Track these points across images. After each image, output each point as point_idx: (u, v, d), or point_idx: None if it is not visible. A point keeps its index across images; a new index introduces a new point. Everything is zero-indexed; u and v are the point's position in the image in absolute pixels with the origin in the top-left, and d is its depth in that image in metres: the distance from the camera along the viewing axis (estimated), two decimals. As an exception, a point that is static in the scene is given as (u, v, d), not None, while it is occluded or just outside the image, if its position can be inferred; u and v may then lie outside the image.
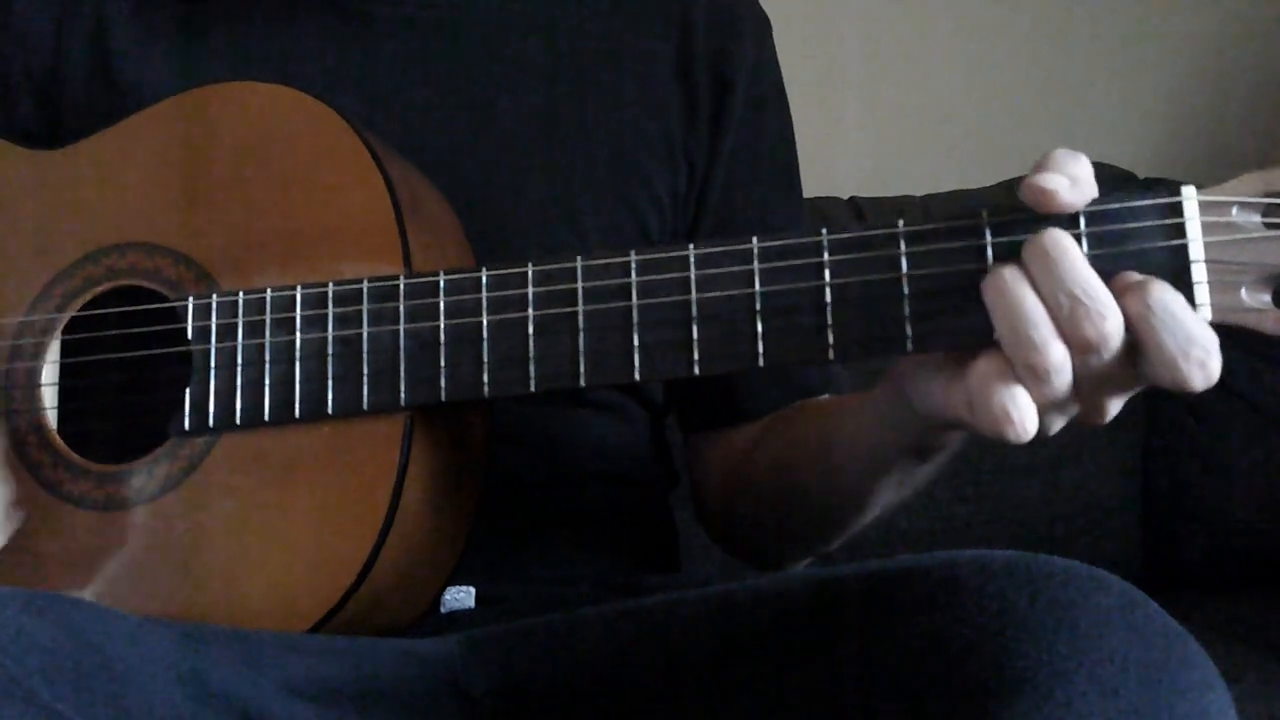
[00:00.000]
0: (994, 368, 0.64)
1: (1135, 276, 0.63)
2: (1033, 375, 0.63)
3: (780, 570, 0.99)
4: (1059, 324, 0.63)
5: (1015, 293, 0.64)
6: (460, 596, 0.87)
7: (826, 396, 0.98)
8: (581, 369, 0.73)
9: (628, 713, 0.71)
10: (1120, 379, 0.65)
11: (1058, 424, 0.67)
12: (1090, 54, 2.01)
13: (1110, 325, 0.62)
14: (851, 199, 1.73)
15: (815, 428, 0.92)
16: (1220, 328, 0.63)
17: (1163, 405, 1.68)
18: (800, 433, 0.93)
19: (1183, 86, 2.02)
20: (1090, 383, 0.64)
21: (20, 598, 0.63)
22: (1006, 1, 2.00)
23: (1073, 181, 0.64)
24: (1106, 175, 1.56)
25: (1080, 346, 0.63)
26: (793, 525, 0.95)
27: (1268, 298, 0.64)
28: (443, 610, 0.86)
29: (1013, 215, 0.67)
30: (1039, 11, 2.00)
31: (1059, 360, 0.63)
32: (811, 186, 1.08)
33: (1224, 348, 0.62)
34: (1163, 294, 0.62)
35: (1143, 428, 1.69)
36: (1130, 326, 0.63)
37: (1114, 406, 0.67)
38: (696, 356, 0.71)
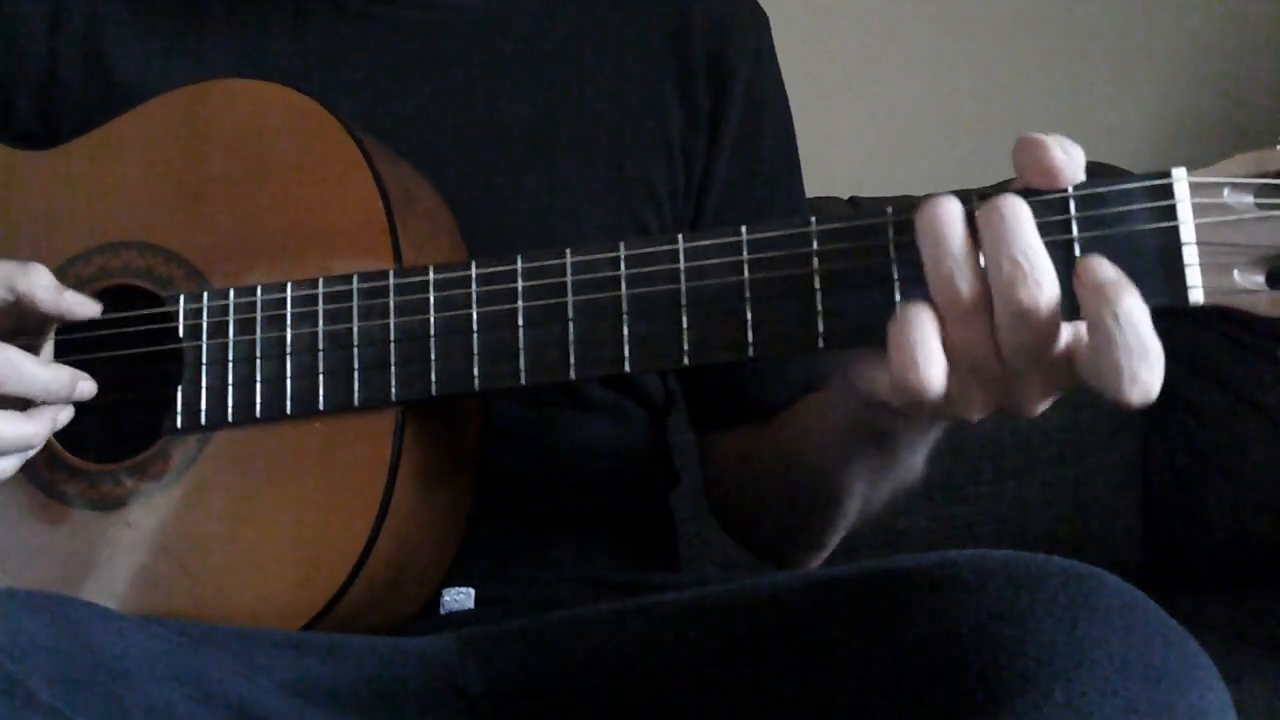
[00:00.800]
0: (912, 314, 0.63)
1: (1110, 273, 0.62)
2: (946, 304, 0.63)
3: (790, 568, 0.99)
4: (996, 285, 0.62)
5: (947, 237, 0.63)
6: (460, 598, 0.87)
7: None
8: (572, 360, 0.73)
9: (628, 712, 0.71)
10: (1054, 375, 0.64)
11: (977, 401, 0.66)
12: (1089, 54, 2.01)
13: (1046, 296, 0.61)
14: (851, 199, 1.73)
15: (797, 422, 0.92)
16: (1214, 311, 0.63)
17: (1163, 405, 1.68)
18: (791, 428, 0.93)
19: (1181, 87, 2.02)
20: (1019, 361, 0.63)
21: (20, 598, 0.63)
22: (1006, 2, 2.00)
23: (1066, 154, 0.64)
24: (1105, 175, 1.56)
25: (1013, 308, 0.62)
26: (792, 522, 0.95)
27: (1261, 279, 0.63)
28: (442, 611, 0.86)
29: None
30: (1039, 11, 2.00)
31: (969, 298, 0.62)
32: (811, 186, 1.08)
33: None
34: (1132, 305, 0.60)
35: (1142, 428, 1.68)
36: (1088, 323, 0.61)
37: (1042, 403, 0.66)
38: (687, 347, 0.71)
